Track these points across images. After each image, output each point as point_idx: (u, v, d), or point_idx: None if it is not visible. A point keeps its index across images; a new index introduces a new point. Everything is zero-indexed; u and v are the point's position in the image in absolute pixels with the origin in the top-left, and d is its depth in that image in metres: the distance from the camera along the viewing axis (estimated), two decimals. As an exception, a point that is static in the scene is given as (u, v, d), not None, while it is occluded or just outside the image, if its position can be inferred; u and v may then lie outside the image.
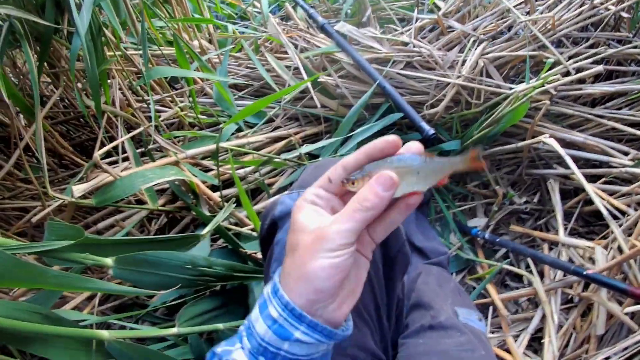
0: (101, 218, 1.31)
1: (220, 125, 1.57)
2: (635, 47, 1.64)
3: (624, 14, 1.68)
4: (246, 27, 2.11)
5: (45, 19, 1.16)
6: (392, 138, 0.55)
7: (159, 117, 1.51)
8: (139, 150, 1.36)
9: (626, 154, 1.44)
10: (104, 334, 0.76)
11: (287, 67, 1.65)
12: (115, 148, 1.30)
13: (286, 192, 0.81)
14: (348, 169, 0.56)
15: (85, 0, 1.12)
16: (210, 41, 1.89)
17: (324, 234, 0.52)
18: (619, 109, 1.60)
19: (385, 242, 0.81)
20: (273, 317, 0.53)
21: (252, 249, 1.17)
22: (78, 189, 1.08)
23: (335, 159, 1.11)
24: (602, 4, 1.67)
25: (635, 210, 1.27)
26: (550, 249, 1.43)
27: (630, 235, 1.19)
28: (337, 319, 0.55)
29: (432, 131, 1.37)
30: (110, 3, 1.27)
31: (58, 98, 1.51)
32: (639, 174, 1.35)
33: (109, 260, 0.84)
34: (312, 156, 1.46)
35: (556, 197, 1.45)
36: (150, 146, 1.36)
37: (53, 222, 0.85)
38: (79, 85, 1.43)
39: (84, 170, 1.17)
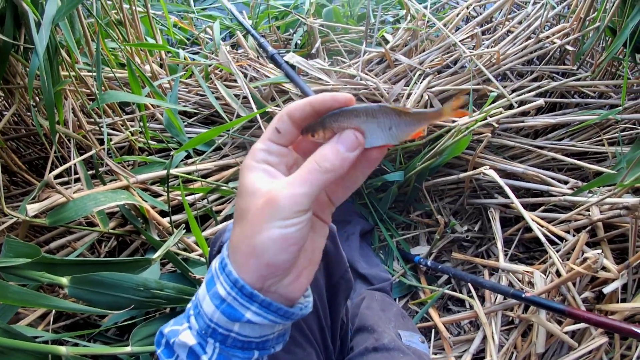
0: (52, 238, 1.38)
1: (171, 152, 1.67)
2: (578, 79, 1.80)
3: (569, 47, 1.82)
4: (197, 53, 2.22)
5: (4, 34, 1.21)
6: (342, 98, 0.50)
7: (110, 140, 1.58)
8: (90, 172, 1.44)
9: (566, 182, 1.58)
10: (62, 349, 0.85)
11: (237, 95, 1.74)
12: (67, 168, 1.38)
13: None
14: (295, 120, 0.52)
15: (45, 19, 1.16)
16: (161, 66, 1.97)
17: (275, 199, 0.47)
18: (561, 139, 1.75)
19: (327, 268, 0.91)
20: (221, 295, 0.50)
21: (201, 273, 1.25)
22: (32, 208, 1.15)
23: None
24: (547, 37, 1.83)
25: (574, 235, 1.40)
26: (491, 274, 1.56)
27: (568, 259, 1.32)
28: (293, 294, 0.52)
29: None
30: (67, 23, 1.35)
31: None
32: (577, 202, 1.48)
33: (64, 280, 0.93)
34: None
35: (496, 225, 1.58)
36: (102, 169, 1.45)
37: (11, 240, 0.94)
38: (33, 103, 1.49)
39: (37, 190, 1.23)
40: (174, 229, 1.35)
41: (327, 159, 0.48)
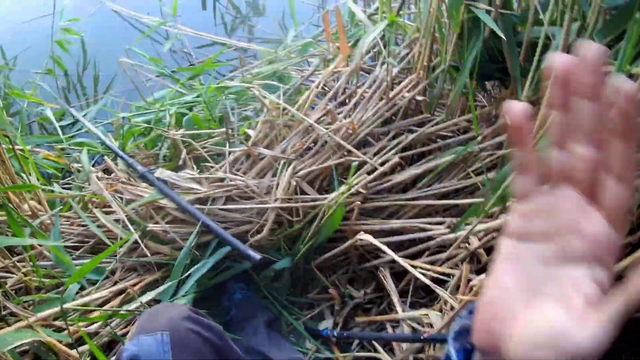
0: None
1: (63, 287, 1.78)
2: (435, 124, 1.99)
3: (419, 97, 2.02)
4: (72, 183, 2.34)
5: None
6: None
7: (6, 284, 1.68)
8: None
9: (442, 223, 1.76)
10: None
11: (117, 220, 1.85)
12: None
13: (127, 338, 1.06)
14: None
15: None
16: (39, 202, 2.05)
17: None
18: (431, 185, 1.92)
19: None
20: None
21: None
22: None
23: (165, 303, 1.38)
24: (397, 94, 2.01)
25: (458, 268, 1.59)
26: (394, 327, 1.71)
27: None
28: None
29: (258, 257, 1.64)
30: None
31: None
32: (454, 239, 1.65)
33: None
34: (156, 301, 1.66)
35: (389, 282, 1.74)
36: (3, 312, 1.55)
37: None
38: None
39: None
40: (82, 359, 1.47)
41: None
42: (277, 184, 1.84)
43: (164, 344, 0.99)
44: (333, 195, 1.76)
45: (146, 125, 2.46)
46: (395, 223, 1.81)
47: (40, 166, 2.36)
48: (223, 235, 1.71)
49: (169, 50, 3.28)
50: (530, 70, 1.55)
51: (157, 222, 1.83)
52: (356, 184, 1.76)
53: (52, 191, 2.12)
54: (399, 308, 1.67)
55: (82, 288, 1.80)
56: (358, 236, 1.67)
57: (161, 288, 1.67)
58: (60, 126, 2.72)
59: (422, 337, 1.42)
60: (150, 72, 3.01)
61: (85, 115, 2.83)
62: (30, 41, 3.54)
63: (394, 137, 2.01)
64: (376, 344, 1.67)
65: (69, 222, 2.06)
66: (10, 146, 1.99)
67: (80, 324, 1.60)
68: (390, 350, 1.66)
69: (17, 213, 1.67)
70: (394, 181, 1.89)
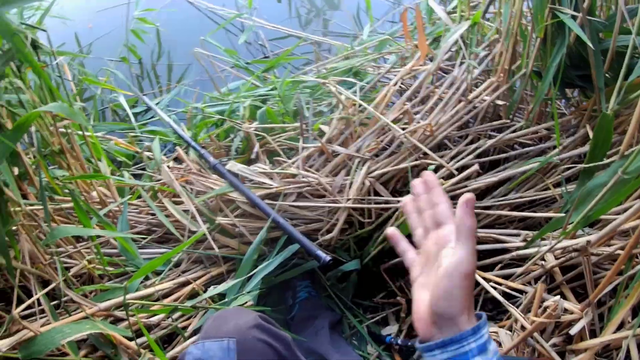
0: None
1: (129, 276, 1.76)
2: (514, 131, 1.92)
3: (499, 102, 1.96)
4: (143, 171, 2.37)
5: None
6: None
7: (69, 271, 1.68)
8: (53, 302, 1.54)
9: (518, 236, 1.70)
10: None
11: (186, 211, 1.85)
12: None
13: (192, 341, 1.05)
14: None
15: None
16: (109, 189, 2.07)
17: None
18: (507, 194, 1.86)
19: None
20: None
21: None
22: (3, 343, 1.26)
23: (233, 307, 1.36)
24: (476, 97, 1.96)
25: (532, 286, 1.52)
26: None
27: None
28: None
29: (328, 258, 1.60)
30: (6, 165, 1.41)
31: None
32: (530, 254, 1.58)
33: None
34: (221, 296, 1.66)
35: None
36: (64, 298, 1.55)
37: None
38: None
39: (5, 326, 1.33)
40: (142, 351, 1.45)
41: None
42: (351, 183, 1.80)
43: (230, 351, 0.99)
44: (408, 198, 1.70)
45: (219, 116, 2.46)
46: (469, 232, 1.74)
47: (110, 153, 2.38)
48: (293, 234, 1.68)
49: (243, 42, 3.30)
50: (615, 80, 1.46)
51: (226, 216, 1.82)
52: (432, 189, 1.70)
53: (122, 179, 2.12)
54: None
55: (146, 278, 1.80)
56: (430, 243, 1.62)
57: (228, 284, 1.64)
58: (133, 114, 2.76)
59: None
60: (225, 64, 3.03)
61: (158, 103, 2.85)
62: (106, 30, 3.62)
63: (471, 142, 1.96)
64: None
65: (137, 210, 2.07)
66: (81, 133, 2.01)
67: (141, 315, 1.60)
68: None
69: (85, 202, 1.67)
70: (469, 187, 1.83)
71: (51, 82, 1.70)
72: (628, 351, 1.23)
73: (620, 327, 1.30)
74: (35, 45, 1.72)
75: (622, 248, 1.41)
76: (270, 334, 1.06)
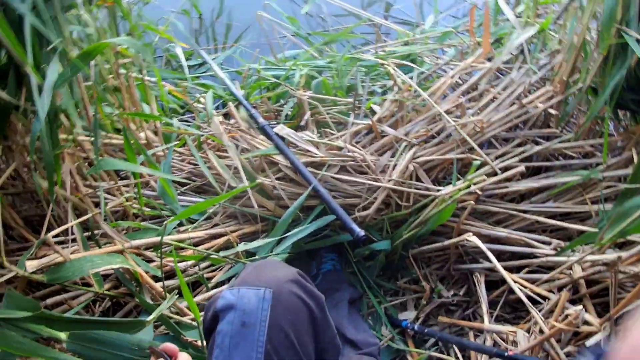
0: (49, 294, 1.52)
1: (163, 219, 1.81)
2: (562, 141, 1.92)
3: (552, 111, 1.96)
4: (191, 121, 2.41)
5: (7, 93, 1.32)
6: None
7: (106, 205, 1.71)
8: (85, 234, 1.58)
9: (549, 243, 1.71)
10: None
11: (228, 166, 1.89)
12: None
13: (227, 286, 1.07)
14: None
15: (46, 85, 1.27)
16: (155, 133, 2.12)
17: None
18: (545, 202, 1.87)
19: (316, 334, 1.08)
20: None
21: (192, 337, 1.40)
22: (31, 265, 1.30)
23: (273, 259, 1.39)
24: (530, 102, 1.96)
25: (557, 294, 1.54)
26: (477, 335, 1.67)
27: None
28: None
29: (362, 233, 1.61)
30: (68, 89, 1.47)
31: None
32: (559, 262, 1.61)
33: (62, 335, 1.08)
34: (249, 254, 1.68)
35: (482, 289, 1.70)
36: (97, 232, 1.60)
37: (12, 293, 1.10)
38: (33, 165, 1.60)
39: (34, 247, 1.36)
40: (167, 294, 1.49)
41: None
42: (395, 165, 1.82)
43: (265, 301, 1.00)
44: (449, 189, 1.73)
45: (275, 80, 2.50)
46: (501, 232, 1.77)
47: (160, 100, 2.42)
48: (331, 204, 1.71)
49: (305, 13, 3.30)
50: None
51: (267, 177, 1.85)
52: (475, 184, 1.72)
53: (171, 125, 2.17)
54: (486, 318, 1.63)
55: (180, 224, 1.84)
56: (465, 236, 1.64)
57: (260, 242, 1.67)
58: (188, 66, 2.79)
59: (505, 355, 1.36)
60: (285, 30, 3.05)
61: (214, 59, 2.89)
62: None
63: (518, 145, 1.97)
64: (455, 349, 1.63)
65: (180, 159, 2.11)
66: (140, 74, 2.06)
67: (169, 259, 1.64)
68: (466, 358, 1.62)
69: (135, 140, 1.71)
70: (509, 189, 1.85)
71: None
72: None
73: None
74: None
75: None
76: (306, 291, 1.07)
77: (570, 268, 1.59)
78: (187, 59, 2.93)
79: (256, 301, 1.00)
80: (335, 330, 1.15)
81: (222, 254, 1.63)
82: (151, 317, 1.27)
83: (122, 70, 1.96)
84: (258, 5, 3.07)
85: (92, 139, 1.59)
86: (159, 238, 1.55)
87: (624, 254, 1.44)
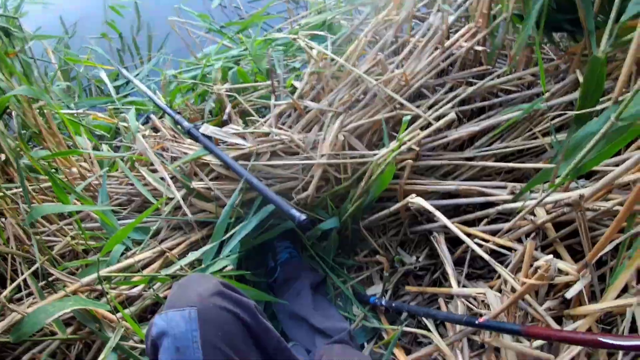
0: (25, 350, 1.51)
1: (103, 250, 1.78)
2: (498, 76, 1.85)
3: (479, 47, 1.89)
4: (121, 142, 2.36)
5: None
6: None
7: (52, 249, 1.69)
8: (41, 283, 1.54)
9: (504, 188, 1.61)
10: None
11: (163, 178, 1.83)
12: (22, 281, 1.49)
13: (158, 312, 1.04)
14: None
15: None
16: (91, 163, 2.08)
17: None
18: (491, 144, 1.81)
19: (258, 344, 1.07)
20: None
21: None
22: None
23: (195, 275, 1.35)
24: (454, 44, 1.89)
25: (522, 243, 1.45)
26: (447, 301, 1.60)
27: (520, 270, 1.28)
28: None
29: (302, 217, 1.55)
30: None
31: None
32: (518, 208, 1.49)
33: None
34: (200, 262, 1.64)
35: (443, 250, 1.63)
36: (50, 278, 1.55)
37: None
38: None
39: None
40: (121, 325, 1.46)
41: None
42: (324, 139, 1.77)
43: (192, 321, 0.98)
44: (383, 151, 1.66)
45: (192, 81, 2.47)
46: (450, 184, 1.70)
47: (90, 128, 2.37)
48: (265, 193, 1.65)
49: (219, 6, 3.30)
50: (606, 22, 1.39)
51: (201, 180, 1.80)
52: (408, 140, 1.65)
53: (99, 152, 2.13)
54: (453, 282, 1.54)
55: (127, 249, 1.79)
56: (408, 198, 1.57)
57: (203, 249, 1.63)
58: (115, 87, 2.79)
59: (476, 322, 1.26)
60: (201, 29, 3.02)
61: (137, 74, 2.89)
62: (85, 9, 3.65)
63: (450, 90, 1.90)
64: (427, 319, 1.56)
65: (117, 182, 2.05)
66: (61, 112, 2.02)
67: (123, 287, 1.60)
68: (442, 325, 1.57)
69: (60, 180, 1.68)
70: (449, 138, 1.78)
71: (20, 67, 1.71)
72: (634, 319, 1.17)
73: (624, 291, 1.22)
74: (7, 33, 1.74)
75: (621, 204, 1.33)
76: (232, 301, 1.05)
77: (532, 213, 1.49)
78: (114, 80, 2.96)
79: (184, 323, 0.98)
80: (277, 333, 1.13)
81: (164, 272, 1.59)
82: (101, 356, 1.29)
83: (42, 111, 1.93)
84: (174, 11, 3.04)
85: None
86: (107, 269, 1.56)
87: (586, 191, 1.33)
